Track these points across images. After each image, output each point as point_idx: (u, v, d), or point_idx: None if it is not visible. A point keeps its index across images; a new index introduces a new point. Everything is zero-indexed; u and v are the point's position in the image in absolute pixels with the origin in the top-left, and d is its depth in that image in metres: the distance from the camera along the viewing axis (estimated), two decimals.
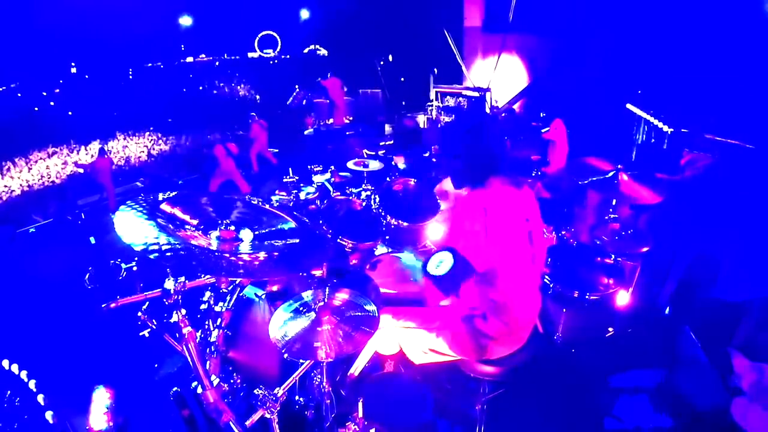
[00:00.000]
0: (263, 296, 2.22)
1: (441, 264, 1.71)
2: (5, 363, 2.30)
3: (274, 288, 2.25)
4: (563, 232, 3.17)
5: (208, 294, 2.10)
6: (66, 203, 8.34)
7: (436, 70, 9.80)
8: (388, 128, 9.86)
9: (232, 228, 1.78)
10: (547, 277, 2.66)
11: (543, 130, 4.57)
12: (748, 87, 4.24)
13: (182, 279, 1.80)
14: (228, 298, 2.13)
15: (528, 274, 1.87)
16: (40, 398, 2.15)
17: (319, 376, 1.85)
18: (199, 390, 1.83)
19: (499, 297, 1.83)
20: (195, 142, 11.03)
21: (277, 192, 3.77)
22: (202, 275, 1.96)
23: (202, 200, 2.03)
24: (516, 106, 8.65)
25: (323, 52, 15.85)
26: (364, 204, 3.39)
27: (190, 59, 15.05)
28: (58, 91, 11.51)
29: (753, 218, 2.61)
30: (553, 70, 8.03)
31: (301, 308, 1.79)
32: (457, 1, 9.92)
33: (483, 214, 1.73)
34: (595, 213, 3.43)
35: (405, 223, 3.21)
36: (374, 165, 3.98)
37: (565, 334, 2.64)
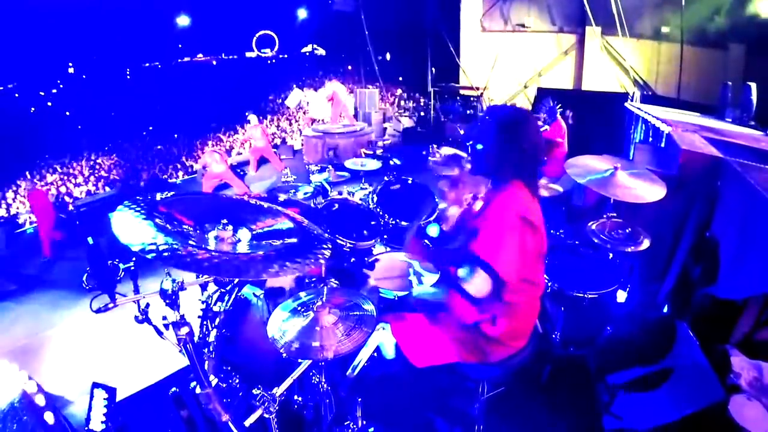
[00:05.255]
0: (261, 296, 2.22)
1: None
2: (4, 363, 2.29)
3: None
4: (561, 231, 3.17)
5: (206, 294, 2.10)
6: (63, 203, 8.34)
7: (433, 69, 9.81)
8: None
9: (230, 227, 1.77)
10: (545, 275, 2.66)
11: (542, 129, 4.56)
12: None
13: (180, 279, 1.79)
14: (226, 297, 2.13)
15: (536, 273, 1.86)
16: (40, 399, 2.15)
17: (318, 376, 1.85)
18: (198, 390, 1.83)
19: (512, 298, 1.82)
20: (193, 141, 11.02)
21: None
22: (200, 275, 1.95)
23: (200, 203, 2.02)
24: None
25: (321, 51, 15.84)
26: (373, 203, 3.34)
27: (187, 59, 15.04)
28: (55, 91, 11.49)
29: (752, 215, 2.61)
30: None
31: (299, 307, 1.79)
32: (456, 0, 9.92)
33: (503, 218, 1.71)
34: (593, 211, 3.43)
35: (404, 223, 3.20)
36: (372, 164, 3.97)
37: (564, 333, 2.64)
